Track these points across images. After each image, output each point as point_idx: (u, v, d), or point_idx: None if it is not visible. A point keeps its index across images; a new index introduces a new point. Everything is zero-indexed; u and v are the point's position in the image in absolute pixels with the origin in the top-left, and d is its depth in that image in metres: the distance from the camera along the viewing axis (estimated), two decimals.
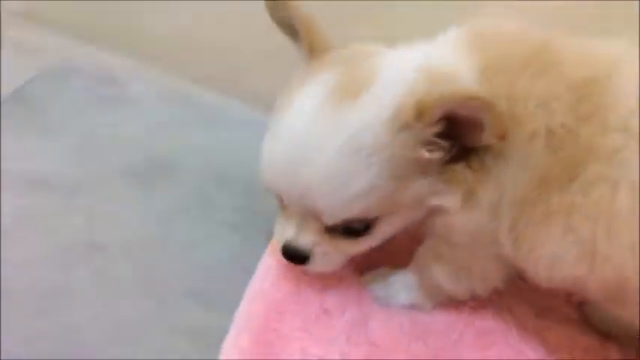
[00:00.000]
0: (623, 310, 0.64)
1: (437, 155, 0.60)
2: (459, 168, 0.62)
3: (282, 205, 0.67)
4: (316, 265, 0.67)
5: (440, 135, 0.59)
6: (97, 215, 0.79)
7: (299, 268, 0.70)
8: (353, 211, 0.61)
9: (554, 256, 0.61)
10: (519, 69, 0.61)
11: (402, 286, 0.75)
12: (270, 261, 0.75)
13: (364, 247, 0.67)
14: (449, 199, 0.63)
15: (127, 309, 0.71)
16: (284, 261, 0.69)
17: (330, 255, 0.67)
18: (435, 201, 0.63)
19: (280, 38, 1.01)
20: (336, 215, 0.62)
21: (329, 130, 0.60)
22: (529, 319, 0.76)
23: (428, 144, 0.59)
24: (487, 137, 0.58)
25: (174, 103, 0.98)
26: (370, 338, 0.70)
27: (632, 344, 0.74)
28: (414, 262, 0.75)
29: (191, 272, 0.77)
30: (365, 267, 0.78)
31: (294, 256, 0.67)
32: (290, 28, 0.67)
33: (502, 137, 0.59)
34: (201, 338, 0.70)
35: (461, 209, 0.63)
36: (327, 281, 0.74)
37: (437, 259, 0.71)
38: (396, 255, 0.77)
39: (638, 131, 0.56)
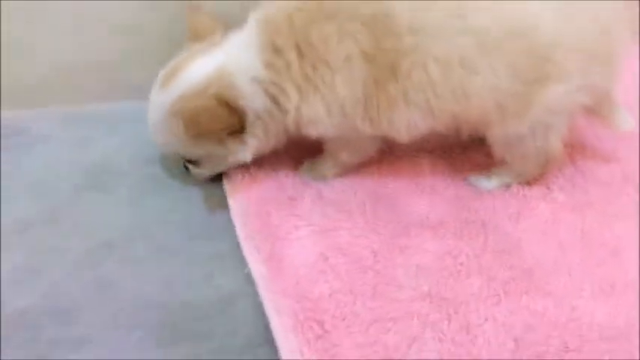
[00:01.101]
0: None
1: None
2: (231, 140, 0.95)
3: None
4: (191, 172, 1.04)
5: None
6: (85, 229, 0.97)
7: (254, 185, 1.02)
8: (169, 150, 1.02)
9: (409, 122, 0.92)
10: (308, 25, 0.87)
11: (326, 167, 1.05)
12: (231, 185, 1.03)
13: (206, 173, 1.03)
14: (237, 158, 0.98)
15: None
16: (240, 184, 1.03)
17: (192, 170, 1.03)
18: (230, 159, 0.99)
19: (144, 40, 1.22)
20: (166, 151, 1.04)
21: (153, 104, 0.97)
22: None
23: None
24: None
25: (79, 124, 1.15)
26: (330, 202, 1.00)
27: None
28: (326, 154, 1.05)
29: (176, 224, 0.99)
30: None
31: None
32: None
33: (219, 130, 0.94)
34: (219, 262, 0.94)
35: (310, 122, 0.93)
36: (279, 179, 1.04)
37: (335, 151, 1.03)
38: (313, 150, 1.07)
39: (425, 29, 0.86)
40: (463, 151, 1.11)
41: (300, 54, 0.89)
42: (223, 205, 1.01)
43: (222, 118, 0.91)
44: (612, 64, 0.93)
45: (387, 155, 1.08)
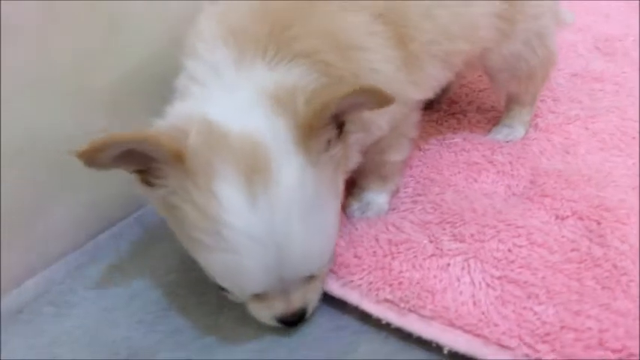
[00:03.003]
0: None
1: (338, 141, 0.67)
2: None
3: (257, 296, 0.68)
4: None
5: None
6: None
7: None
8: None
9: (435, 76, 0.81)
10: (313, 25, 0.69)
11: (376, 185, 0.88)
12: None
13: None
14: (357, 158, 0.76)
15: None
16: None
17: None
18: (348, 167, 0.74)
19: None
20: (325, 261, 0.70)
21: (277, 214, 0.60)
22: None
23: (331, 139, 0.66)
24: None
25: None
26: (440, 220, 0.83)
27: None
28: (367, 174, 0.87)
29: None
30: None
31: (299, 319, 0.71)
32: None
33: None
34: None
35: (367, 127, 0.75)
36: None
37: (381, 159, 0.85)
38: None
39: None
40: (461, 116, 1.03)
41: (339, 53, 0.69)
42: None
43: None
44: None
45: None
